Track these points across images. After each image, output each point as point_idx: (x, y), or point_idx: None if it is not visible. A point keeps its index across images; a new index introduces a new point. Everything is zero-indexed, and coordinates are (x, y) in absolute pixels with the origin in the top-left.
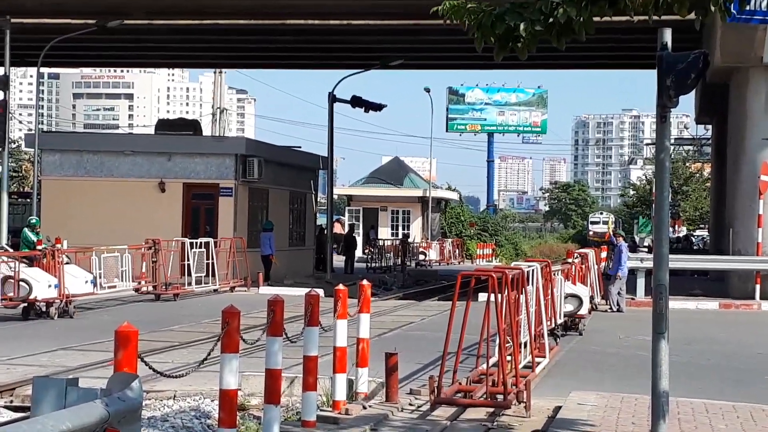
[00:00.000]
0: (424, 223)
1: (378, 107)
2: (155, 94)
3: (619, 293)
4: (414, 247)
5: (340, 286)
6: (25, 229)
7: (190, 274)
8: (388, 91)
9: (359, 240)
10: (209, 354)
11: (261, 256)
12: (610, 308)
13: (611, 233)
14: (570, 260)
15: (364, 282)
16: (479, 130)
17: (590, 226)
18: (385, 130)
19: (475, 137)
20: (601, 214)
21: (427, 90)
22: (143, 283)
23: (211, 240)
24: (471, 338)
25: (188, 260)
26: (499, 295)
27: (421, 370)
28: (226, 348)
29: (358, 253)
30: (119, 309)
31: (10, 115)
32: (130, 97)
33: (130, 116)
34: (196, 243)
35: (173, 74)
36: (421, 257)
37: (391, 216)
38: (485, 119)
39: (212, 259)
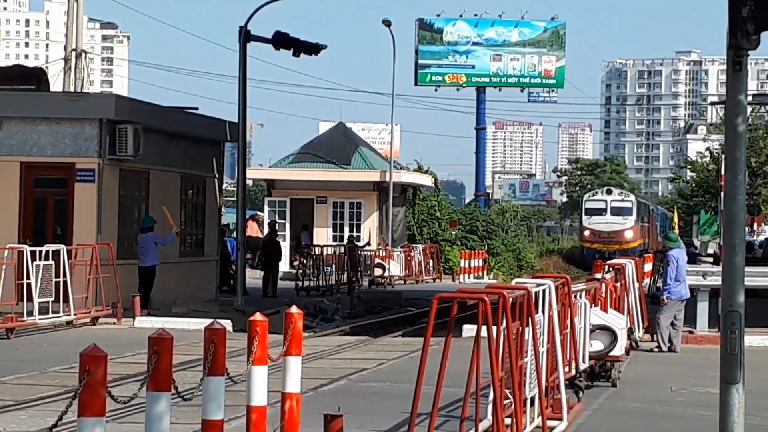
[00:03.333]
0: (382, 220)
1: (314, 49)
2: None
3: (672, 324)
4: (367, 257)
5: (257, 316)
6: None
7: (31, 300)
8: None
9: (285, 247)
10: (61, 418)
11: (139, 270)
12: (659, 346)
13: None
14: (599, 276)
15: (293, 309)
16: (464, 82)
17: (586, 219)
18: (325, 84)
19: (458, 93)
20: (608, 192)
21: (387, 23)
22: None
23: (63, 248)
24: (452, 392)
25: (28, 278)
26: (494, 328)
27: None
28: (86, 409)
29: (284, 266)
30: None
31: None
32: None
33: None
34: (41, 253)
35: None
36: (378, 272)
37: (332, 211)
38: (473, 66)
39: (65, 276)
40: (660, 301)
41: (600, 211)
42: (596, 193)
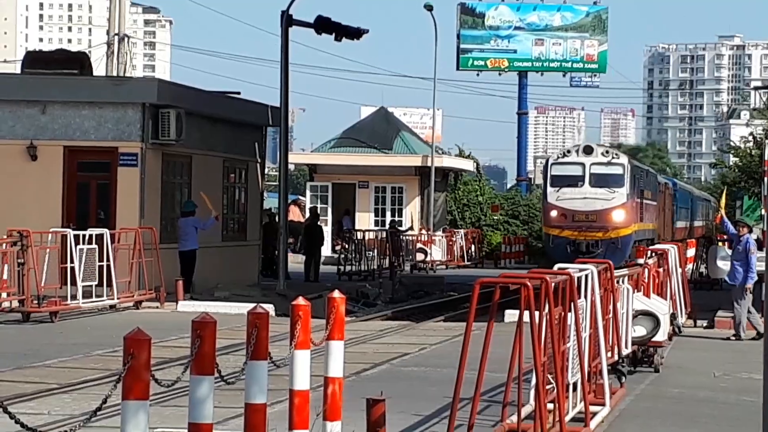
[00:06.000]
0: (424, 205)
1: (356, 33)
2: (21, 14)
3: (749, 312)
4: (409, 242)
5: (300, 301)
6: None
7: (74, 284)
8: (371, 10)
9: (327, 231)
10: (105, 401)
11: (180, 254)
12: (737, 335)
13: (726, 218)
14: (641, 261)
15: (336, 294)
16: (506, 67)
17: (552, 192)
18: (367, 68)
19: (500, 78)
20: (587, 151)
21: (429, 7)
22: (5, 296)
23: (106, 232)
24: (495, 377)
25: (72, 262)
26: (537, 313)
27: (420, 425)
28: (130, 393)
29: (326, 250)
30: None
31: None
32: None
33: None
34: (84, 237)
35: None
36: (420, 257)
37: (374, 195)
38: (515, 51)
39: (108, 260)
40: (744, 290)
41: (573, 181)
42: (568, 153)
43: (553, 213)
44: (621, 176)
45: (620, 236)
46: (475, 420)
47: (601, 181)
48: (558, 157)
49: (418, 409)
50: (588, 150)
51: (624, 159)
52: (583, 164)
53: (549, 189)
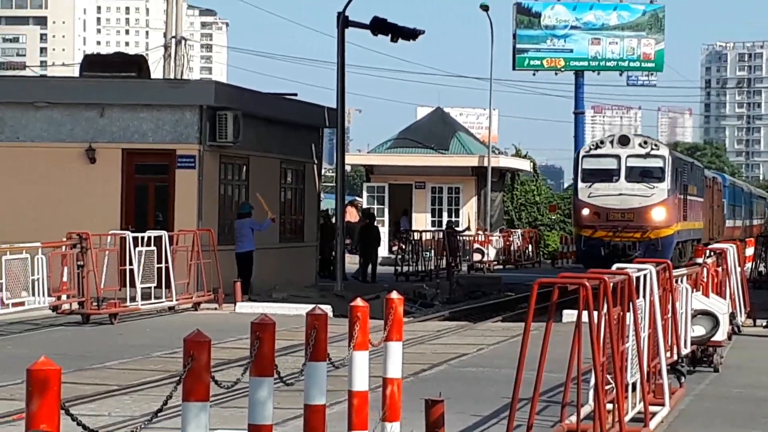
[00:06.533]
0: (481, 205)
1: (412, 34)
2: (79, 17)
3: None
4: (466, 242)
5: (358, 302)
6: None
7: (133, 285)
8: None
9: (384, 232)
10: (165, 403)
11: (236, 256)
12: None
13: None
14: (700, 260)
15: (394, 295)
16: (563, 66)
17: (584, 188)
18: (423, 69)
19: (556, 77)
20: (623, 142)
21: (485, 8)
22: (65, 298)
23: (164, 234)
24: (553, 377)
25: (131, 264)
26: (595, 313)
27: (479, 425)
28: (190, 394)
29: (383, 251)
30: (29, 337)
31: None
32: (42, 21)
33: (43, 51)
34: (143, 239)
35: None
36: (477, 257)
37: (431, 196)
38: (571, 50)
39: (167, 262)
40: None
41: (608, 175)
42: (601, 144)
43: (585, 211)
44: (661, 169)
45: (660, 237)
46: (534, 420)
47: (638, 175)
48: (590, 149)
49: (477, 410)
50: (624, 140)
51: (664, 150)
52: (618, 156)
53: (580, 184)
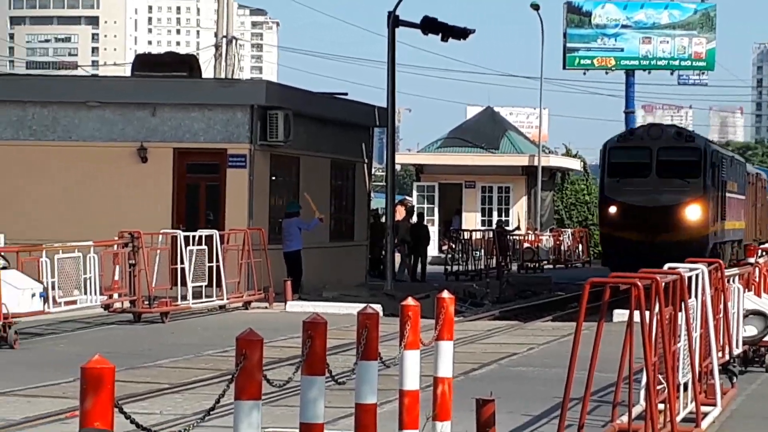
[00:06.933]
0: (531, 205)
1: (462, 33)
2: (130, 17)
3: None
4: (516, 242)
5: (409, 301)
6: None
7: (185, 284)
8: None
9: (434, 231)
10: (218, 401)
11: (284, 255)
12: None
13: None
14: (752, 260)
15: (445, 294)
16: (613, 65)
17: (610, 183)
18: (473, 68)
19: (606, 77)
20: (654, 132)
21: (535, 6)
22: (116, 296)
23: (215, 233)
24: (605, 377)
25: (182, 263)
26: (647, 313)
27: (530, 425)
28: (242, 393)
29: (433, 250)
30: (81, 335)
31: None
32: (93, 21)
33: (95, 50)
34: (194, 238)
35: None
36: (527, 256)
37: (481, 195)
38: (622, 49)
39: (217, 261)
40: None
41: (637, 169)
42: (630, 134)
43: (612, 209)
44: (696, 163)
45: (695, 238)
46: (585, 420)
47: (671, 169)
48: (618, 140)
49: (527, 409)
50: (655, 131)
51: (700, 142)
52: (649, 149)
53: (607, 179)
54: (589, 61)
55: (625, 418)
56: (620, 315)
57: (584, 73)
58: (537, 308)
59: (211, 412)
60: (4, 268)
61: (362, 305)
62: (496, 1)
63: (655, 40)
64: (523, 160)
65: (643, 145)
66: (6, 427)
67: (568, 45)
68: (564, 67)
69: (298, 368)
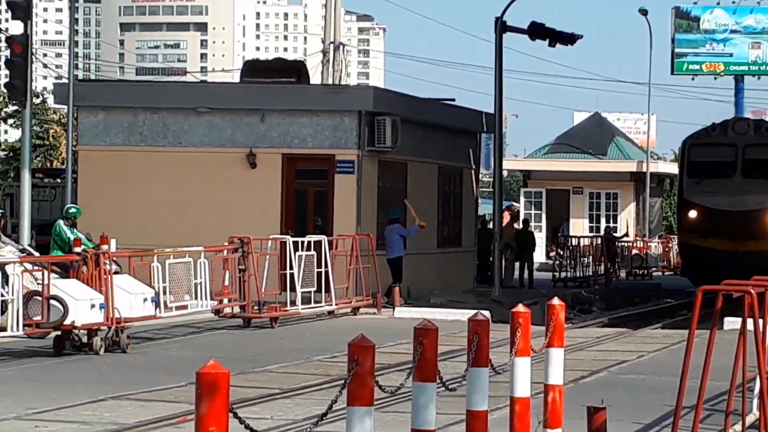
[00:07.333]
0: (639, 211)
1: (570, 39)
2: (239, 23)
3: None
4: (624, 248)
5: (520, 308)
6: (60, 223)
7: (293, 289)
8: (582, 16)
9: (540, 238)
10: (331, 407)
11: (388, 262)
12: None
13: None
14: None
15: (555, 301)
16: (722, 71)
17: (690, 184)
18: (580, 74)
19: (715, 82)
20: (739, 127)
21: (644, 12)
22: (227, 302)
23: (324, 238)
24: (716, 385)
25: (291, 268)
26: (760, 321)
27: None
28: (355, 399)
29: (539, 256)
30: (192, 340)
31: (32, 56)
32: (202, 27)
33: (203, 56)
34: (303, 243)
35: None
36: (635, 263)
37: (588, 201)
38: (731, 55)
39: (326, 266)
40: None
41: (721, 169)
42: (713, 130)
43: (693, 214)
44: None
45: None
46: (698, 429)
47: (759, 168)
48: (699, 136)
49: (638, 417)
50: (741, 126)
51: None
52: (734, 146)
53: (686, 180)
54: (697, 67)
55: (738, 427)
56: (731, 323)
57: (692, 79)
58: (646, 315)
59: (325, 417)
60: (116, 273)
61: (470, 311)
62: (603, 7)
63: (764, 46)
64: (631, 166)
65: (728, 141)
66: (120, 430)
67: (677, 50)
68: (672, 73)
69: (409, 374)
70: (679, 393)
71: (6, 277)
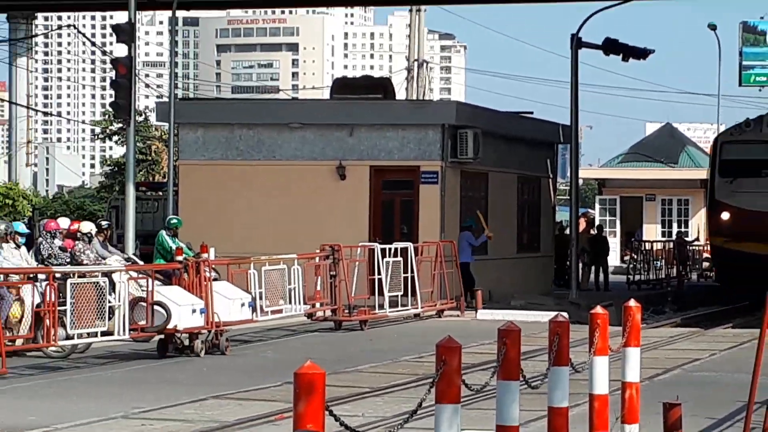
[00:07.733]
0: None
1: (642, 53)
2: (328, 43)
3: None
4: (695, 252)
5: (598, 309)
6: (162, 233)
7: (382, 294)
8: (654, 31)
9: (614, 243)
10: (420, 405)
11: (459, 265)
12: None
13: None
14: None
15: (632, 303)
16: None
17: (722, 184)
18: (652, 86)
19: None
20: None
21: (713, 27)
22: (319, 306)
23: (410, 245)
24: None
25: (379, 274)
26: None
27: (714, 428)
28: (442, 397)
29: (614, 260)
30: (287, 342)
31: (135, 77)
32: (294, 48)
33: (295, 75)
34: (390, 250)
35: (352, 15)
36: (706, 266)
37: (660, 208)
38: None
39: (412, 272)
40: None
41: (755, 167)
42: (746, 127)
43: (725, 215)
44: None
45: None
46: None
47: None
48: (732, 133)
49: (711, 413)
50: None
51: None
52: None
53: (718, 180)
54: (764, 78)
55: None
56: None
57: (759, 90)
58: (717, 316)
59: (415, 414)
60: (215, 279)
61: (549, 313)
62: (674, 23)
63: None
64: (701, 174)
65: (762, 138)
66: (221, 428)
67: (744, 63)
68: (740, 84)
69: (494, 373)
70: (752, 389)
71: (113, 284)
